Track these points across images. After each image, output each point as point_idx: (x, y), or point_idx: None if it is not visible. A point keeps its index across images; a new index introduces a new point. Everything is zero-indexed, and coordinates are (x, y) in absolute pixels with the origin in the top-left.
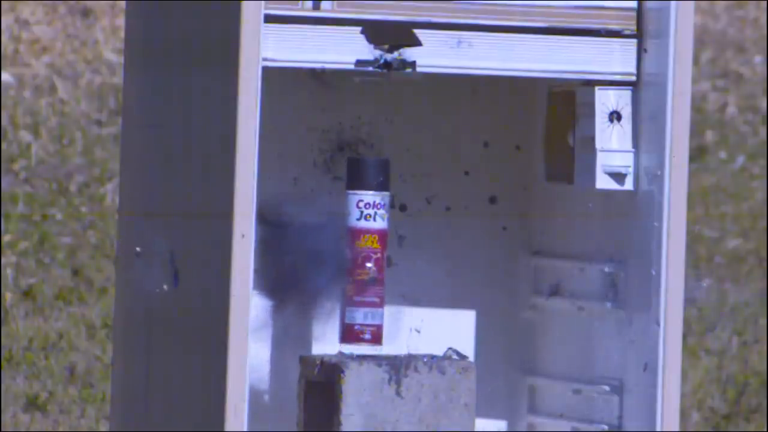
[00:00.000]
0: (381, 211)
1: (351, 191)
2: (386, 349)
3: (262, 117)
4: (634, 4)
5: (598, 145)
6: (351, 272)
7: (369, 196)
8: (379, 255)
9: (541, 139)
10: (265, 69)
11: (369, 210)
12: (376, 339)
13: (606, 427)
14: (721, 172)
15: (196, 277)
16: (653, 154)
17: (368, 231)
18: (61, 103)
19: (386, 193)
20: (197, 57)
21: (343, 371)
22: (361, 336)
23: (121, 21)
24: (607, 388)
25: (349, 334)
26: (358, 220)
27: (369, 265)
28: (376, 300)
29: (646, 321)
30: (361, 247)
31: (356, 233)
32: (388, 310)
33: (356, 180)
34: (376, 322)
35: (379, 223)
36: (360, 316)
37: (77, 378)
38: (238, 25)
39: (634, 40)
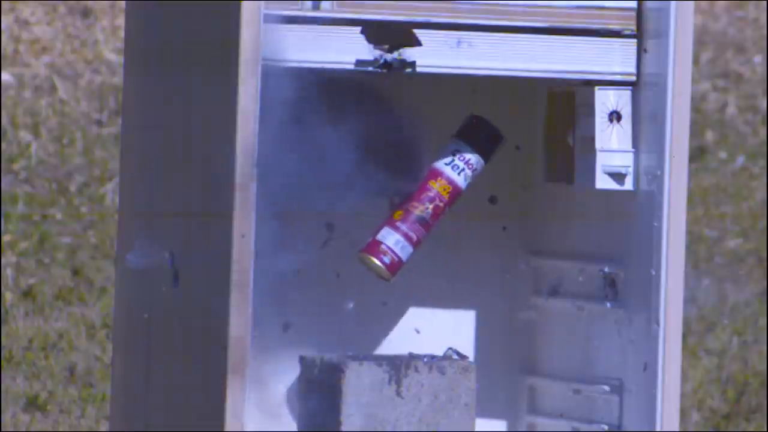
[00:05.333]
0: (468, 173)
1: (456, 138)
2: (386, 349)
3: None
4: (634, 4)
5: (598, 145)
6: (408, 200)
7: (469, 152)
8: (440, 204)
9: (541, 139)
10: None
11: (461, 163)
12: (391, 269)
13: (606, 427)
14: (721, 172)
15: (196, 277)
16: (653, 154)
17: (448, 179)
18: (61, 103)
19: (482, 162)
20: (197, 57)
21: (343, 371)
22: (382, 256)
23: (121, 21)
24: (607, 388)
25: (372, 247)
26: (446, 164)
27: (428, 205)
28: (414, 237)
29: (646, 321)
30: (431, 187)
31: (435, 174)
32: (389, 310)
33: (468, 133)
34: (402, 255)
35: (460, 180)
36: (392, 240)
37: (77, 378)
38: (238, 25)
39: (634, 40)
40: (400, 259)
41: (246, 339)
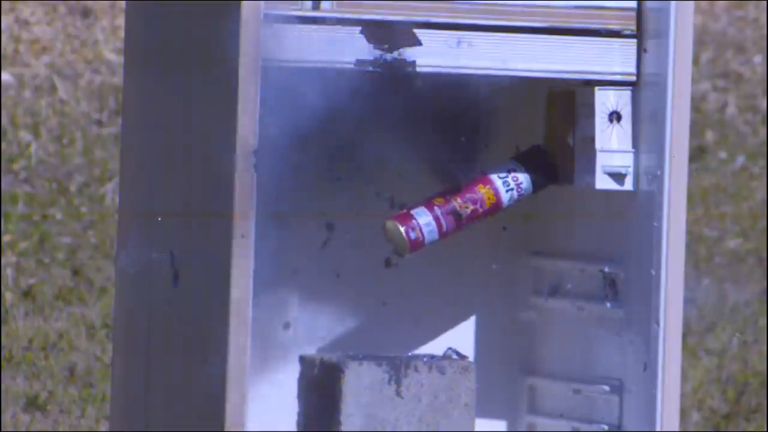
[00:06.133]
0: (515, 194)
1: (515, 160)
2: (386, 349)
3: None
4: (634, 4)
5: (598, 145)
6: (452, 192)
7: (523, 175)
8: (480, 210)
9: (541, 139)
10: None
11: (512, 182)
12: (413, 246)
13: (606, 427)
14: (721, 172)
15: (196, 277)
16: (653, 154)
17: (495, 191)
18: (61, 103)
19: (530, 191)
20: (197, 57)
21: (343, 371)
22: (409, 230)
23: (121, 21)
24: (607, 388)
25: (404, 218)
26: (499, 177)
27: (469, 206)
28: (444, 227)
29: (645, 321)
30: (479, 192)
31: (485, 181)
32: (389, 310)
33: (528, 160)
34: (427, 238)
35: (505, 197)
36: (424, 221)
37: (77, 378)
38: (238, 25)
39: (634, 40)
40: (424, 240)
41: (246, 340)
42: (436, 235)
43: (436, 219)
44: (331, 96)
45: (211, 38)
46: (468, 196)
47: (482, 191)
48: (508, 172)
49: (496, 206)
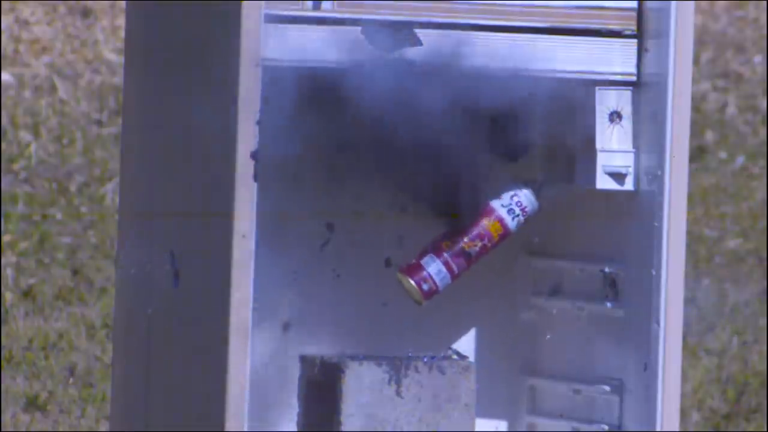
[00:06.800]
0: (521, 219)
1: (518, 183)
2: (386, 349)
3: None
4: (635, 4)
5: (598, 145)
6: (459, 233)
7: (527, 199)
8: (489, 245)
9: (541, 139)
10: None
11: (516, 209)
12: (426, 296)
13: (606, 427)
14: (721, 172)
15: (196, 277)
16: (653, 154)
17: (501, 222)
18: (61, 103)
19: (536, 207)
20: (197, 57)
21: (343, 371)
22: (421, 282)
23: (121, 21)
24: (607, 388)
25: (414, 270)
26: (502, 206)
27: (477, 243)
28: (455, 270)
29: (646, 321)
30: (485, 226)
31: (491, 213)
32: (389, 310)
33: (532, 186)
34: (441, 284)
35: (512, 225)
36: (435, 269)
37: (77, 378)
38: (238, 25)
39: (635, 40)
40: (437, 288)
41: (246, 339)
42: (448, 280)
43: (446, 264)
44: (332, 96)
45: (211, 38)
46: (475, 233)
47: (488, 225)
48: (511, 198)
49: (504, 236)
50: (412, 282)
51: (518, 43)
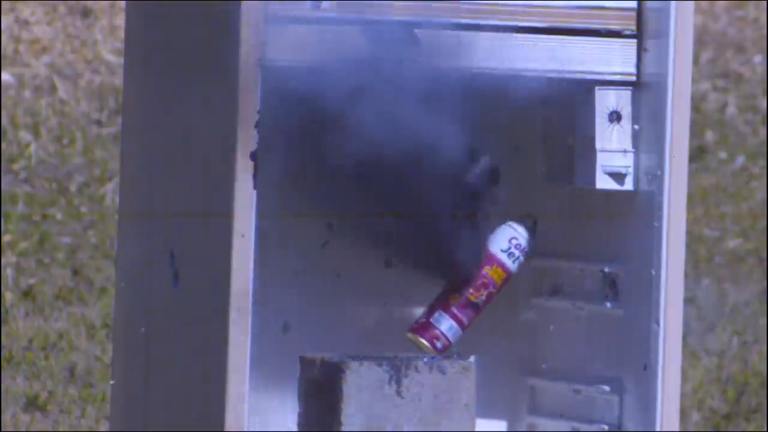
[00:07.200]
0: (522, 259)
1: (514, 223)
2: (386, 349)
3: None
4: (634, 4)
5: (598, 145)
6: (464, 285)
7: (524, 240)
8: (494, 290)
9: (541, 139)
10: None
11: (516, 251)
12: (440, 352)
13: (606, 427)
14: (721, 172)
15: (196, 277)
16: (653, 154)
17: (503, 266)
18: (61, 103)
19: (533, 245)
20: (197, 57)
21: (343, 371)
22: (434, 341)
23: (121, 21)
24: (607, 388)
25: (426, 330)
26: (502, 251)
27: (482, 292)
28: (465, 322)
29: (645, 321)
30: (488, 274)
31: (492, 260)
32: (389, 310)
33: (527, 224)
34: (453, 340)
35: (513, 267)
36: (446, 326)
37: (77, 378)
38: (238, 25)
39: (634, 40)
40: (450, 343)
41: (246, 339)
42: (460, 333)
43: (455, 317)
44: (331, 96)
45: (211, 38)
46: (479, 282)
47: (490, 272)
48: (509, 241)
49: (507, 280)
50: (425, 342)
51: (518, 43)
